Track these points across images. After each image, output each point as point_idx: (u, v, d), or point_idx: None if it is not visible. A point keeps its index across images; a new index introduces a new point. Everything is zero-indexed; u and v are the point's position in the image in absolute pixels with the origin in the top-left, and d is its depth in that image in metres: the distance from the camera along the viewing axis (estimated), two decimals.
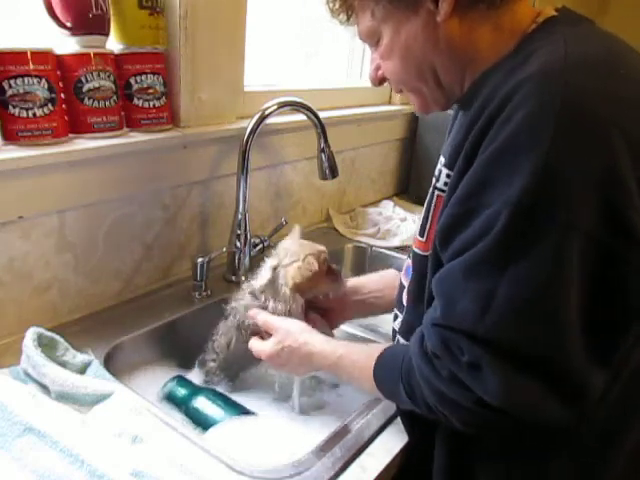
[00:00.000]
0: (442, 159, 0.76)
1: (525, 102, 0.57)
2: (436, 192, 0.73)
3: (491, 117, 0.60)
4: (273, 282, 0.90)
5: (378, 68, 0.76)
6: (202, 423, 0.84)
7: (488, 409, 0.58)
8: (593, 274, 0.56)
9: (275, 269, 0.90)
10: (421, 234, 0.76)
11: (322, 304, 0.97)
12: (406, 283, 0.83)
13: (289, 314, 0.88)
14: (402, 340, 0.82)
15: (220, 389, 0.94)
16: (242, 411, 0.86)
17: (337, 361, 0.79)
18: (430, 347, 0.63)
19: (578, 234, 0.55)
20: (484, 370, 0.57)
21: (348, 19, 0.74)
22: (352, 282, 1.00)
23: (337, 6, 0.73)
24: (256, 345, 0.88)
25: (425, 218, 0.75)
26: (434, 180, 0.76)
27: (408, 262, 0.84)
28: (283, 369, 0.88)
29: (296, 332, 0.84)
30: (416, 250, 0.77)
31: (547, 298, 0.56)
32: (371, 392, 0.78)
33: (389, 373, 0.73)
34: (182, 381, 0.92)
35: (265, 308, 0.89)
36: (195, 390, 0.90)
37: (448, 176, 0.69)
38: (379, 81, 0.78)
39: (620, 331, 0.59)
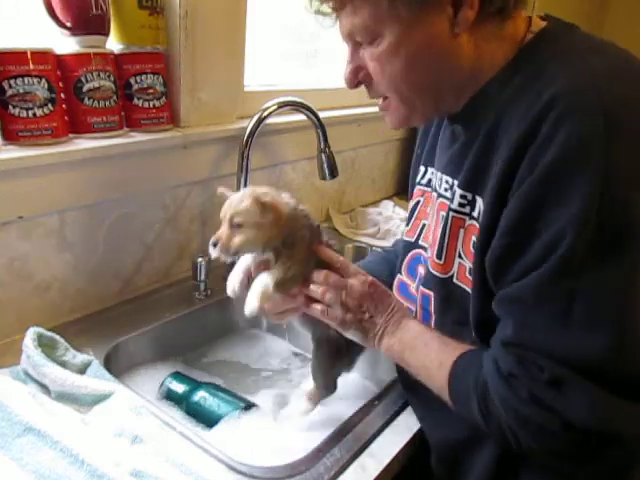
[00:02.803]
0: (445, 177, 0.72)
1: (565, 121, 0.55)
2: (451, 214, 0.70)
3: (522, 142, 0.58)
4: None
5: (360, 69, 0.69)
6: (204, 417, 0.84)
7: (575, 432, 0.55)
8: None
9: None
10: (439, 256, 0.72)
11: None
12: (410, 282, 0.81)
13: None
14: None
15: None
16: (244, 403, 0.86)
17: (421, 342, 0.71)
18: (506, 367, 0.59)
19: None
20: (566, 387, 0.55)
21: (336, 10, 0.65)
22: None
23: None
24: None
25: (441, 241, 0.71)
26: (445, 200, 0.71)
27: (412, 256, 0.82)
28: (359, 322, 0.74)
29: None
30: (434, 272, 0.73)
31: (624, 311, 0.55)
32: (438, 391, 0.70)
33: (464, 386, 0.65)
34: (179, 377, 0.92)
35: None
36: (194, 385, 0.89)
37: (463, 197, 0.68)
38: (357, 83, 0.71)
39: None
